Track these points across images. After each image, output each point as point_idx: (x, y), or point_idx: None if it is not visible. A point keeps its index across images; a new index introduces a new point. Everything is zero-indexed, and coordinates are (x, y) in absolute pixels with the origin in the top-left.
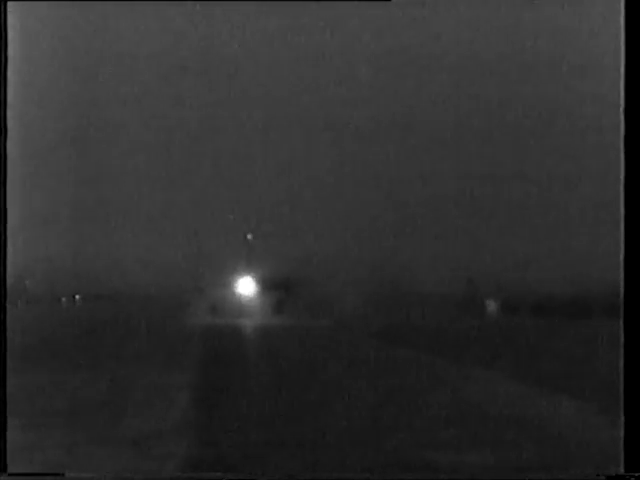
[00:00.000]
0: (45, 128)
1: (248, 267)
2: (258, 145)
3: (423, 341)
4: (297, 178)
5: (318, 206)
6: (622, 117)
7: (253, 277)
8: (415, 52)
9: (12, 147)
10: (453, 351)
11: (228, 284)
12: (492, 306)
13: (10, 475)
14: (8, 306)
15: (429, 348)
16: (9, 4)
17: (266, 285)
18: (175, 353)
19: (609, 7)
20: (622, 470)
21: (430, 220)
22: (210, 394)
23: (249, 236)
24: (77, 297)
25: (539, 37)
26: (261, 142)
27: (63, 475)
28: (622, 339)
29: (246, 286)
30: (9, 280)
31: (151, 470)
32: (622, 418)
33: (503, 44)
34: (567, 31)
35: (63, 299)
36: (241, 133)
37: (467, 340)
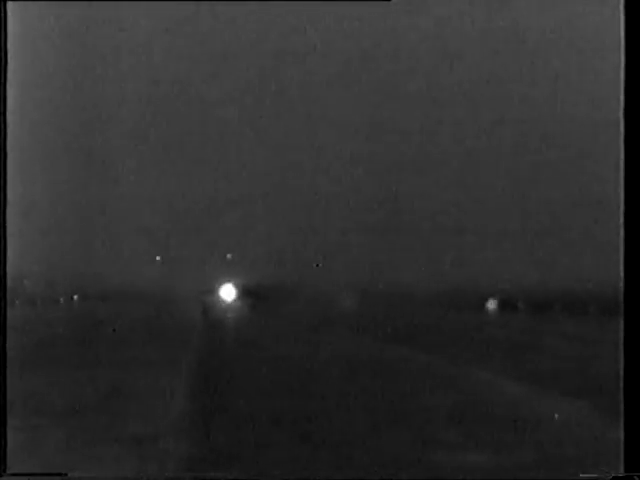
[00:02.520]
0: (45, 128)
1: (229, 278)
2: (247, 150)
3: (405, 335)
4: (284, 188)
5: (301, 216)
6: (622, 117)
7: (234, 285)
8: (414, 52)
9: (12, 147)
10: (452, 350)
11: (213, 291)
12: (492, 305)
13: (12, 475)
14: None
15: (414, 342)
16: (9, 4)
17: (245, 292)
18: (183, 335)
19: (609, 7)
20: (622, 470)
21: (426, 221)
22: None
23: (229, 256)
24: (75, 297)
25: (538, 36)
26: (246, 146)
27: (66, 475)
28: (622, 339)
29: (228, 293)
30: (7, 281)
31: (153, 470)
32: (622, 418)
33: (502, 44)
34: (566, 30)
35: (61, 299)
36: (238, 138)
37: (467, 339)
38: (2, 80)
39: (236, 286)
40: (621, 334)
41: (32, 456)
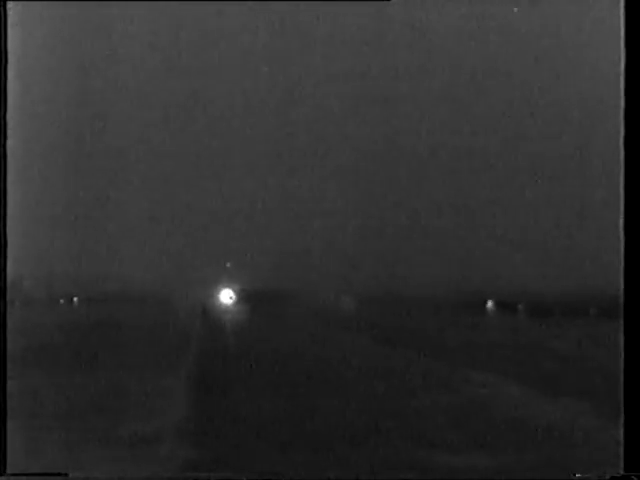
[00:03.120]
0: (45, 128)
1: (228, 284)
2: (245, 152)
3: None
4: (280, 194)
5: (298, 224)
6: (622, 117)
7: (233, 290)
8: (412, 53)
9: (12, 147)
10: (451, 353)
11: (213, 295)
12: (491, 306)
13: (12, 475)
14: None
15: (411, 345)
16: (9, 4)
17: (242, 297)
18: (186, 334)
19: (609, 7)
20: (622, 470)
21: (425, 221)
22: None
23: (228, 264)
24: (75, 299)
25: (538, 36)
26: (248, 149)
27: (66, 475)
28: (622, 339)
29: (227, 297)
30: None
31: (153, 470)
32: (622, 418)
33: (501, 44)
34: (565, 30)
35: (61, 301)
36: (237, 140)
37: (466, 341)
38: (2, 79)
39: (234, 290)
40: (621, 335)
41: (33, 456)
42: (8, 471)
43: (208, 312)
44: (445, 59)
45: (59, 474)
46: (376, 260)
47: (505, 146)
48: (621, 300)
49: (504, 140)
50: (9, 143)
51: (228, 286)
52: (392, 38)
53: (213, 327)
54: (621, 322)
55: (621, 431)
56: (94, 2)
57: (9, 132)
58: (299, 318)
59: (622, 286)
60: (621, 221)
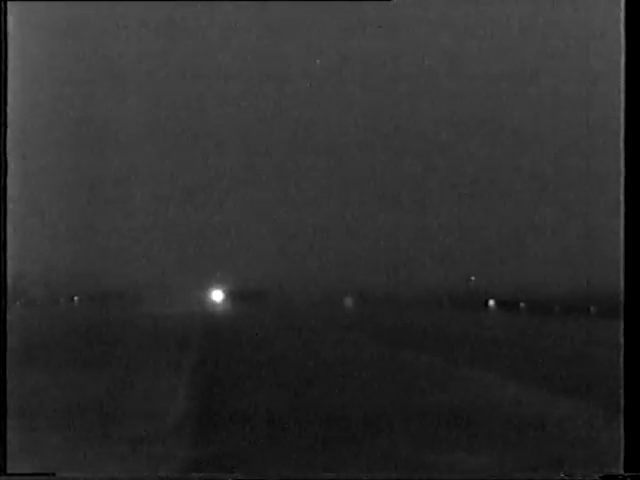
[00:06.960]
0: (45, 128)
1: (218, 285)
2: (245, 152)
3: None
4: (276, 194)
5: (290, 224)
6: (622, 117)
7: (223, 290)
8: (411, 54)
9: (12, 147)
10: (452, 351)
11: (205, 294)
12: (492, 305)
13: (11, 475)
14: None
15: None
16: (9, 4)
17: (232, 295)
18: (185, 317)
19: (609, 7)
20: (622, 470)
21: (425, 220)
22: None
23: (218, 274)
24: (75, 298)
25: (538, 37)
26: (247, 149)
27: (54, 475)
28: (622, 339)
29: (217, 295)
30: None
31: (147, 470)
32: (622, 418)
33: (501, 44)
34: (565, 30)
35: (61, 300)
36: (237, 142)
37: (468, 340)
38: (2, 79)
39: (224, 291)
40: (621, 334)
41: (34, 455)
42: (8, 471)
43: (205, 307)
44: (444, 59)
45: (48, 474)
46: (375, 260)
47: (506, 146)
48: (621, 299)
49: (506, 140)
50: (9, 143)
51: (218, 286)
52: (392, 37)
53: (212, 324)
54: (621, 322)
55: (621, 431)
56: (95, 3)
57: (9, 132)
58: (286, 311)
59: (622, 286)
60: (621, 221)
